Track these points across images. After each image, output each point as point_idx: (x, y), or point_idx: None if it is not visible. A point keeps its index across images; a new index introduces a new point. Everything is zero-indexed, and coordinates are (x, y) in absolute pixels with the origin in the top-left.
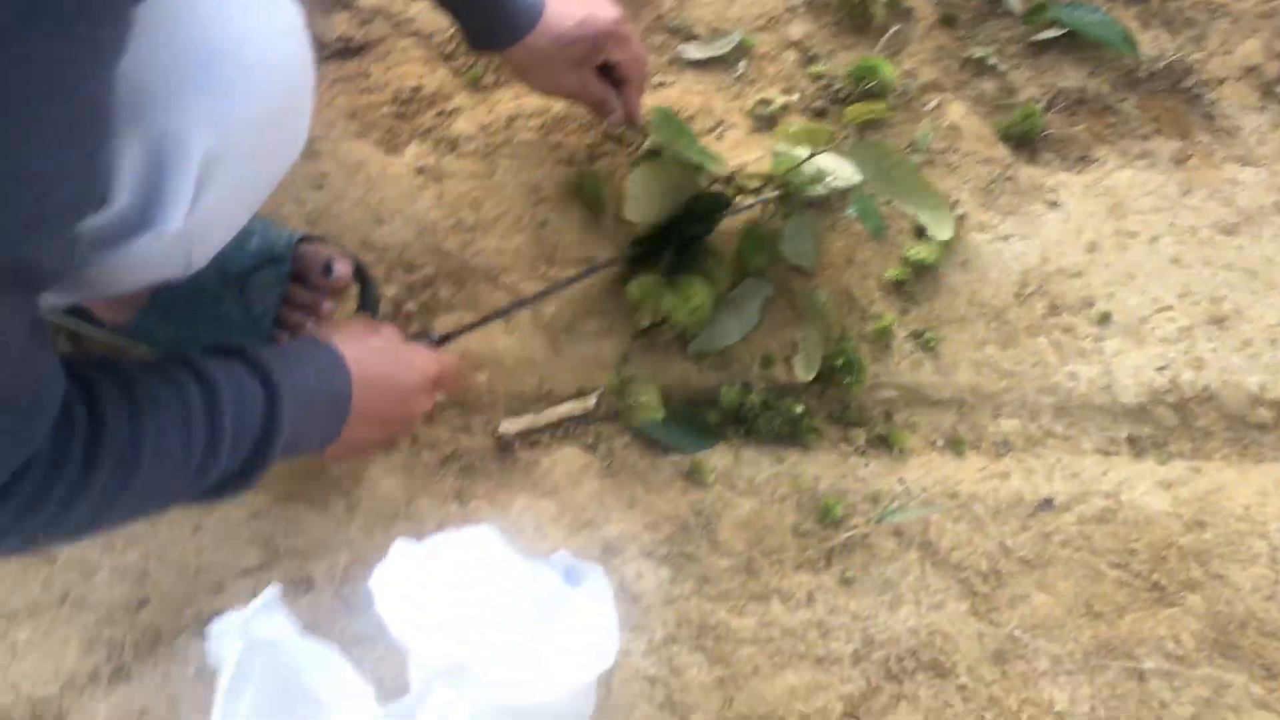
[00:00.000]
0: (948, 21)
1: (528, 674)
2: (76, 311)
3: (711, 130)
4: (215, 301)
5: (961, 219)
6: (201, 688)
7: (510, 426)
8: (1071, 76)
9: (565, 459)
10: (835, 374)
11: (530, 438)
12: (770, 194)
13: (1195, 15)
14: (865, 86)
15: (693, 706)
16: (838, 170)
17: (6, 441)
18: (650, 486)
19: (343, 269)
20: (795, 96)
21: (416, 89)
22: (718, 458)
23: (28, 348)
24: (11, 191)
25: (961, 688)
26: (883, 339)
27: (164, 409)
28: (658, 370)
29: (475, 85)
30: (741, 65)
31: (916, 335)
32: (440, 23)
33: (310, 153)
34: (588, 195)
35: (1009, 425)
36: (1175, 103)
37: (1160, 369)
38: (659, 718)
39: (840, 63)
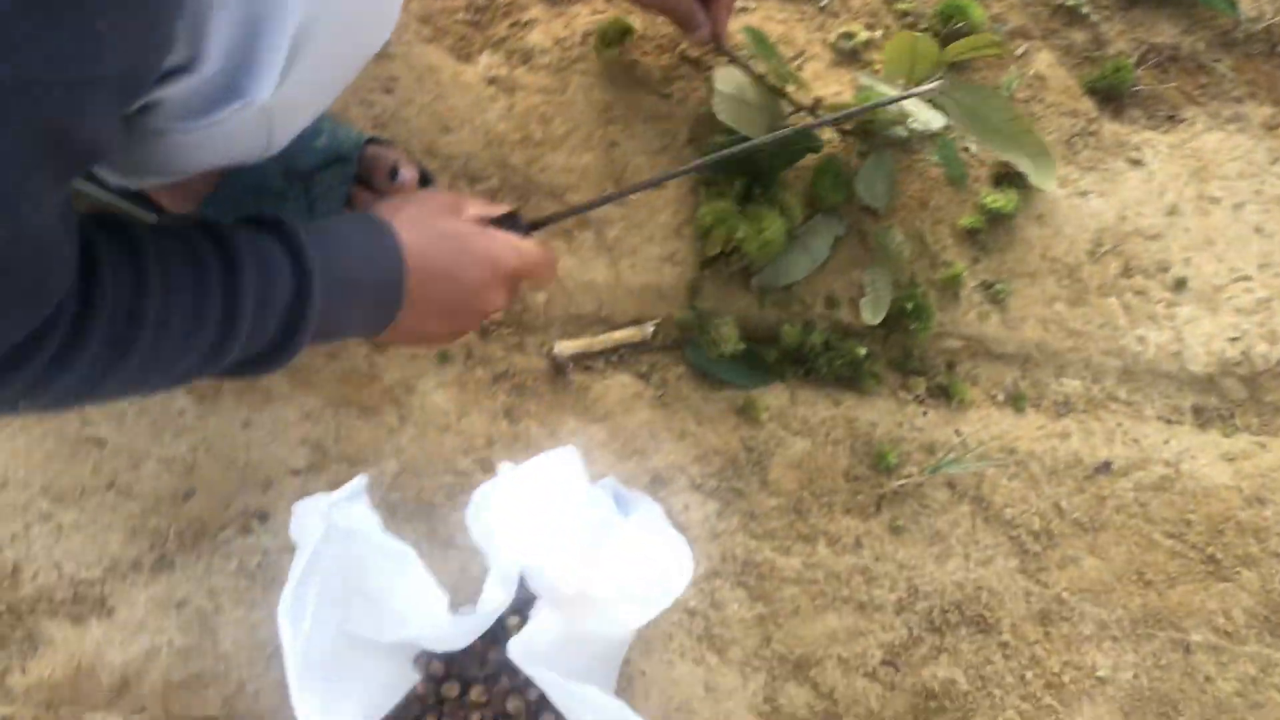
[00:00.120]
0: None
1: (601, 593)
2: (136, 198)
3: (792, 60)
4: (279, 199)
5: None
6: (244, 581)
7: (565, 348)
8: (1166, 32)
9: (618, 386)
10: (902, 319)
11: (584, 362)
12: (849, 128)
13: None
14: (953, 27)
15: (731, 641)
16: (920, 112)
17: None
18: (702, 420)
19: (409, 174)
20: (879, 32)
21: None
22: (773, 396)
23: (50, 228)
24: (61, 48)
25: (1003, 645)
26: (951, 287)
27: (174, 284)
28: (719, 303)
29: None
30: None
31: (986, 286)
32: None
33: (381, 55)
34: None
35: (1072, 385)
36: (1272, 67)
37: (1233, 340)
38: (696, 649)
39: (928, 0)
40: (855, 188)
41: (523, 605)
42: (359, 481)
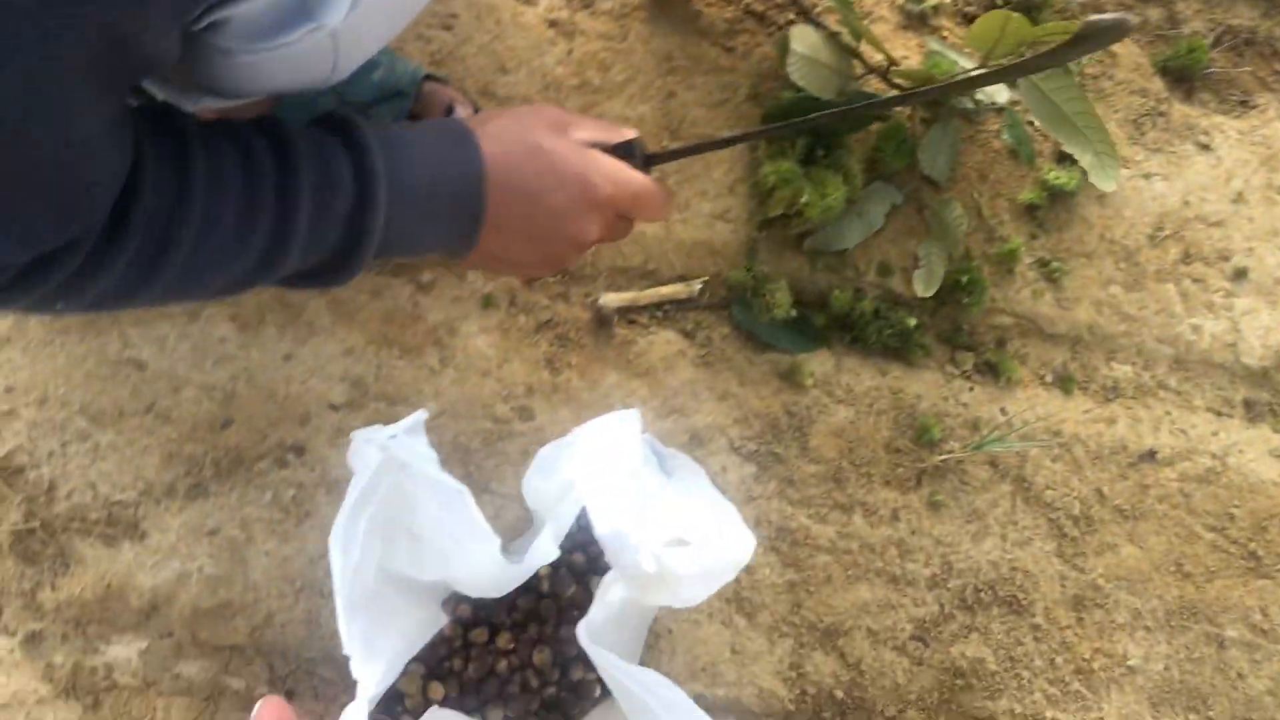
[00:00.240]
0: None
1: (684, 572)
2: None
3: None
4: None
5: None
6: (277, 514)
7: (610, 301)
8: (1244, 14)
9: (662, 342)
10: (955, 292)
11: (629, 315)
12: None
13: None
14: None
15: (760, 605)
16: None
17: (37, 223)
18: (745, 381)
19: (465, 113)
20: None
21: None
22: (818, 362)
23: (101, 136)
24: None
25: (1035, 627)
26: (1006, 263)
27: (222, 184)
28: (772, 265)
29: None
30: None
31: (1042, 264)
32: None
33: None
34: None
35: (1122, 370)
36: None
37: None
38: (725, 611)
39: None
40: (918, 157)
41: (558, 561)
42: (419, 415)
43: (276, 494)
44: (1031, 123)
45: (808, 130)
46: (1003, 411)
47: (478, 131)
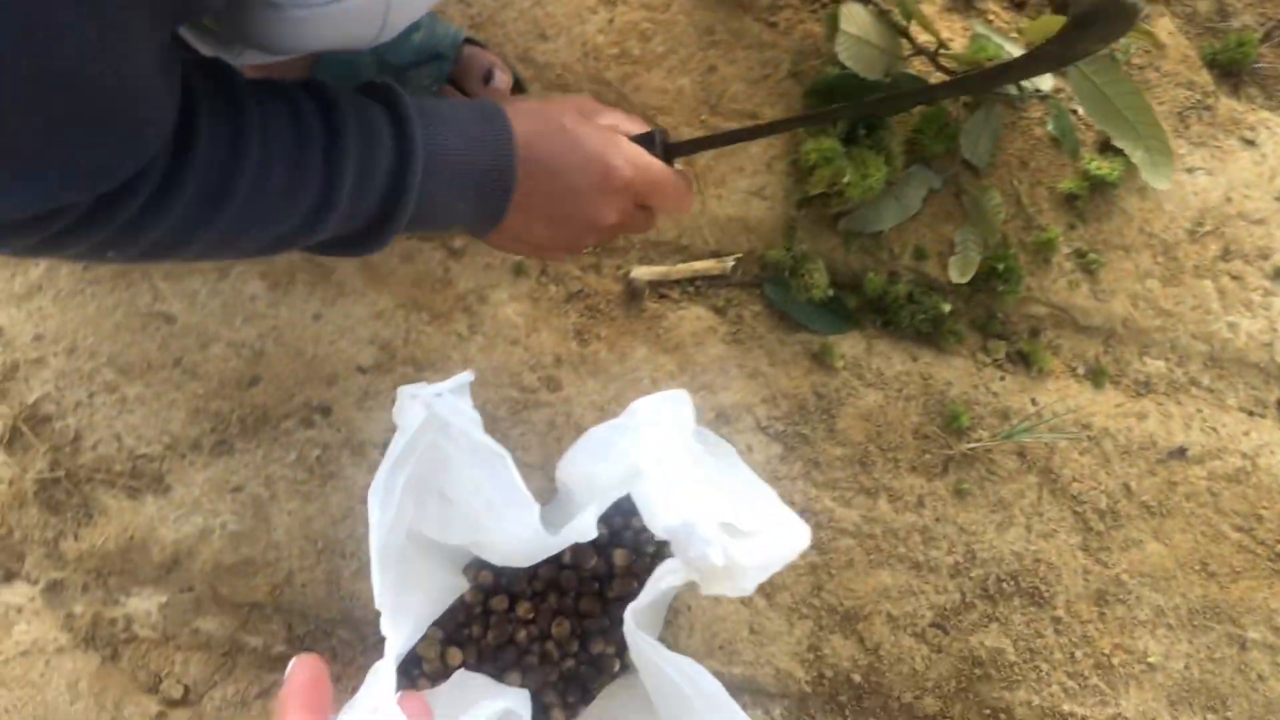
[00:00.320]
0: None
1: (749, 563)
2: None
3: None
4: None
5: None
6: (301, 473)
7: (642, 274)
8: None
9: (692, 318)
10: (990, 279)
11: (660, 289)
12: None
13: None
14: None
15: (780, 586)
16: None
17: (99, 160)
18: (775, 361)
19: (503, 78)
20: None
21: None
22: (849, 344)
23: (150, 75)
24: None
25: (1056, 620)
26: (1043, 252)
27: (273, 141)
28: (808, 244)
29: None
30: None
31: (1079, 255)
32: None
33: None
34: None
35: (1155, 366)
36: None
37: None
38: None
39: None
40: (959, 141)
41: None
42: (464, 377)
43: (301, 454)
44: (1075, 111)
45: (830, 121)
46: (1033, 402)
47: (509, 112)
